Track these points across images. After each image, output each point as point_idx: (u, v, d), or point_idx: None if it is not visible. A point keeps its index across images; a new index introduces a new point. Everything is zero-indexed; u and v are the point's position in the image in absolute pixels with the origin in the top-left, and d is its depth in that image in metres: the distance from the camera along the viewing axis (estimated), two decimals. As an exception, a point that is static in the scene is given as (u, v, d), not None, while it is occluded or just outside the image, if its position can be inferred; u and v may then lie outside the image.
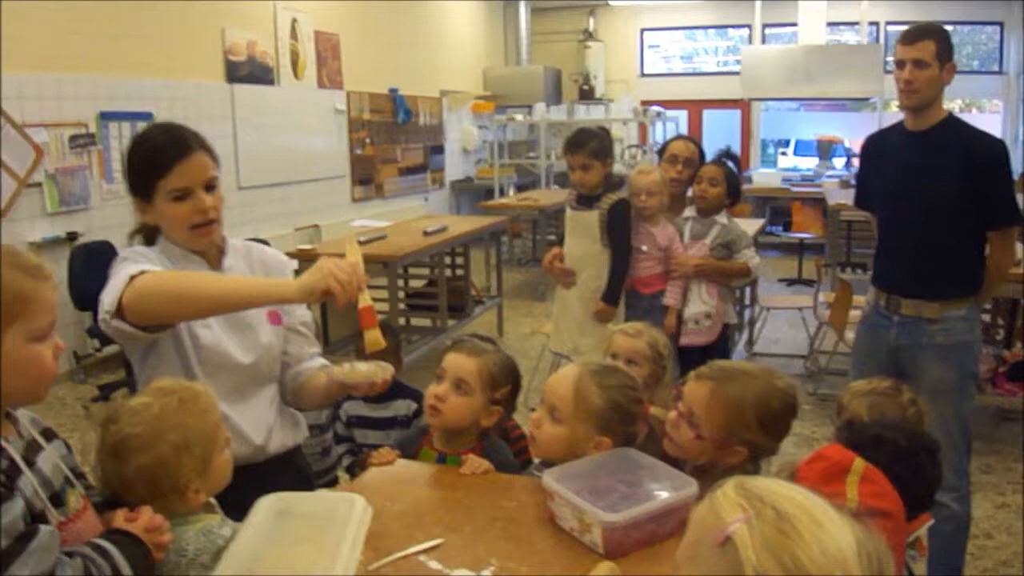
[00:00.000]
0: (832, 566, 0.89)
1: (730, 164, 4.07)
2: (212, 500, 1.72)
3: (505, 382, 2.33)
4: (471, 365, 2.27)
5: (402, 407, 3.29)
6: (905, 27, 3.15)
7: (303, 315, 2.36)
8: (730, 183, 3.97)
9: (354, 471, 3.06)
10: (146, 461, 1.59)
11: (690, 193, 4.13)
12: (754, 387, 1.94)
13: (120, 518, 1.52)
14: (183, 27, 7.44)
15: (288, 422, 2.31)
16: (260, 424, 2.18)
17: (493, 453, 2.28)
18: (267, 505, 1.70)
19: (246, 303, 2.01)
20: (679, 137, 4.44)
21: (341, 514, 1.67)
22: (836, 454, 1.55)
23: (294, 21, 8.93)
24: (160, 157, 2.03)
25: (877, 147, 3.36)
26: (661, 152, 4.29)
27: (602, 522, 1.68)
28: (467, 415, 2.28)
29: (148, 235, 2.17)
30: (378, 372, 2.11)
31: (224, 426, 1.75)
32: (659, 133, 12.01)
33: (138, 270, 1.90)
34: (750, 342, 6.97)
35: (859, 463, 1.55)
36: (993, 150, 3.08)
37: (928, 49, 3.01)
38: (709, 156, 4.24)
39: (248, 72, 8.28)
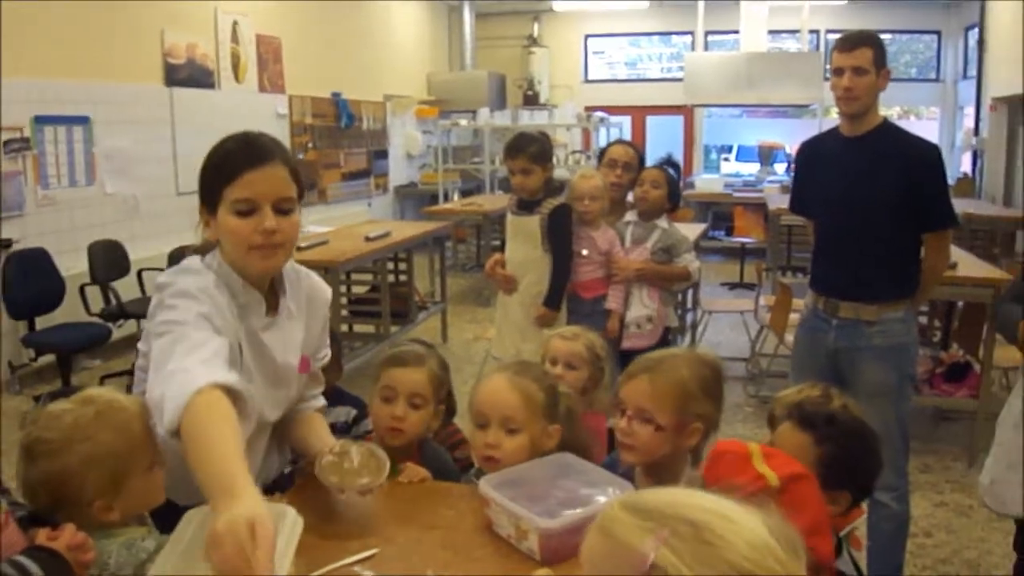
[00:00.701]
0: (763, 556, 0.88)
1: (670, 170, 4.10)
2: (144, 513, 1.68)
3: (447, 381, 2.33)
4: (420, 377, 2.24)
5: (342, 414, 3.25)
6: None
7: (326, 356, 2.23)
8: (671, 187, 3.99)
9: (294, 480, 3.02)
10: (51, 468, 1.54)
11: (630, 197, 4.15)
12: (684, 363, 1.99)
13: (43, 535, 1.48)
14: (121, 29, 7.29)
15: (276, 456, 2.20)
16: (252, 469, 2.06)
17: (432, 460, 2.26)
18: (194, 518, 1.63)
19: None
20: (619, 142, 4.46)
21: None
22: (730, 446, 1.56)
23: (235, 24, 8.82)
24: (230, 161, 1.83)
25: (813, 152, 3.40)
26: (600, 156, 4.30)
27: (538, 528, 1.67)
28: (424, 427, 2.27)
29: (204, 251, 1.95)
30: (372, 483, 1.90)
31: (155, 447, 1.67)
32: (603, 139, 12.06)
33: (205, 376, 1.57)
34: (692, 345, 7.01)
35: (754, 445, 1.56)
36: (928, 154, 3.13)
37: (866, 56, 3.05)
38: (651, 163, 4.27)
39: (188, 75, 8.15)
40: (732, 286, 9.75)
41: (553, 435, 2.05)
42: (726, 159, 16.47)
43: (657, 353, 2.08)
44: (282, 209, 1.84)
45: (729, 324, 7.21)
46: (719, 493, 1.41)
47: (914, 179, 3.07)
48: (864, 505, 2.59)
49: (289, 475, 2.36)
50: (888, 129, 3.17)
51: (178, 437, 1.55)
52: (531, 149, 3.86)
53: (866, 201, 3.11)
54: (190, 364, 1.61)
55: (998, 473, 2.80)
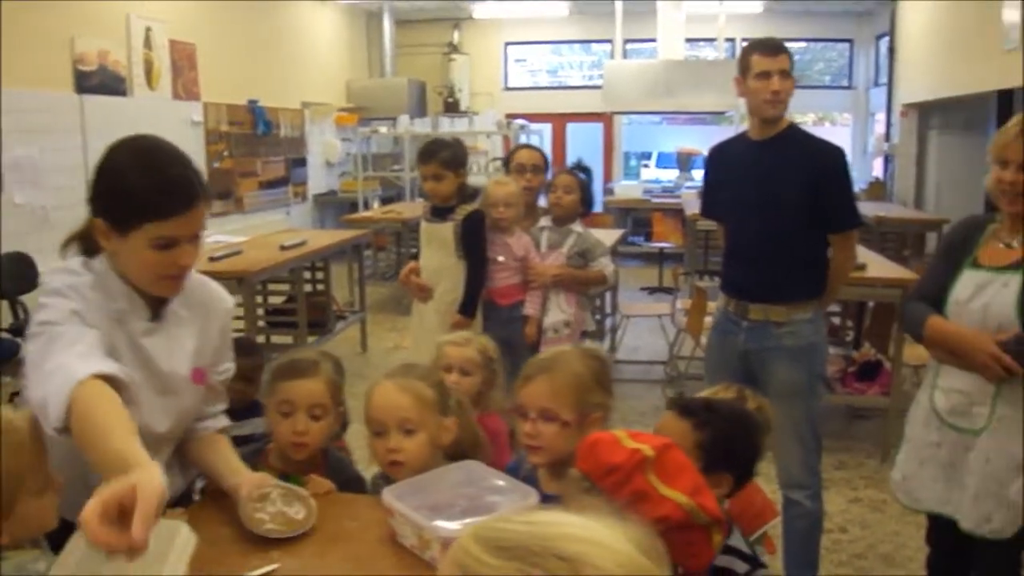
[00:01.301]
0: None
1: (582, 175, 4.11)
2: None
3: (343, 382, 2.30)
4: (318, 387, 2.21)
5: (260, 424, 3.18)
6: (759, 43, 3.23)
7: (229, 370, 2.16)
8: (583, 192, 4.00)
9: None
10: None
11: (542, 203, 4.16)
12: (575, 357, 2.05)
13: None
14: (29, 34, 7.03)
15: (179, 476, 2.12)
16: None
17: (337, 471, 2.22)
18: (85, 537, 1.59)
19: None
20: (524, 146, 4.48)
21: (161, 543, 1.58)
22: (599, 435, 1.56)
23: (148, 29, 8.62)
24: (161, 202, 1.77)
25: (722, 157, 3.43)
26: (507, 162, 4.30)
27: (440, 538, 1.66)
28: (327, 437, 2.24)
29: (86, 246, 1.91)
30: (303, 525, 1.87)
31: (48, 470, 1.61)
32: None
33: (83, 368, 1.57)
34: (612, 349, 7.05)
35: (619, 431, 1.57)
36: (833, 157, 3.20)
37: (787, 61, 3.14)
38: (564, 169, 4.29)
39: (99, 82, 7.94)
40: (651, 290, 9.85)
41: (450, 428, 2.09)
42: (646, 165, 16.66)
43: (548, 353, 2.13)
44: (195, 237, 1.85)
45: (648, 328, 7.27)
46: (603, 479, 1.46)
47: (820, 181, 3.13)
48: (777, 507, 2.63)
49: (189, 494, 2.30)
50: (795, 133, 3.23)
51: (66, 433, 1.54)
52: (443, 155, 3.83)
53: (774, 204, 3.15)
54: (67, 360, 1.60)
55: (909, 469, 2.84)
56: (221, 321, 2.10)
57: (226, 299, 2.14)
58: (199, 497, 2.18)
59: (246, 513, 1.86)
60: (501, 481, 1.87)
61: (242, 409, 2.63)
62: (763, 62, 3.11)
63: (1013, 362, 2.53)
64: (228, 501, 1.99)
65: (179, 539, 1.60)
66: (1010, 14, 8.40)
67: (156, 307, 1.94)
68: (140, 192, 1.78)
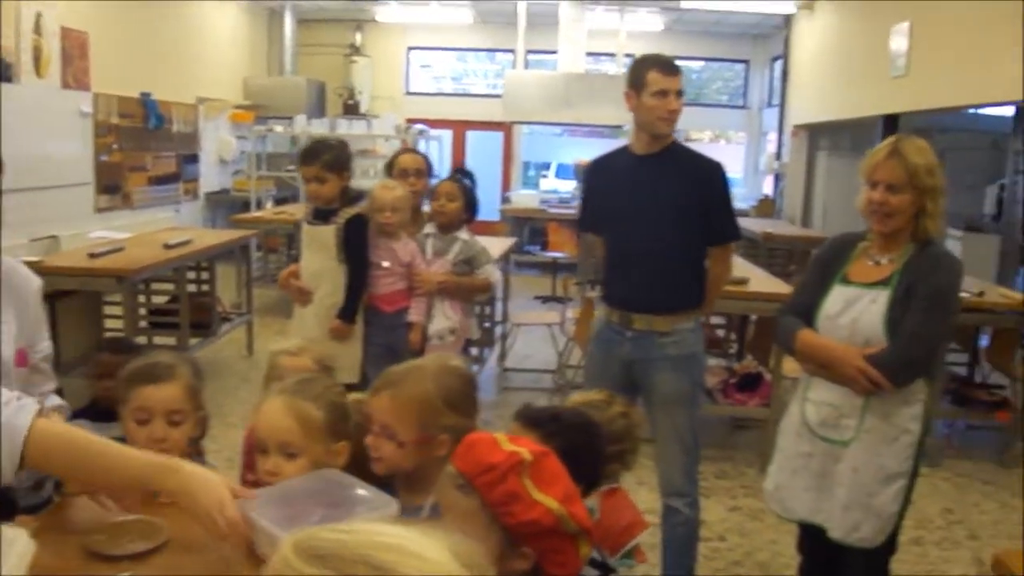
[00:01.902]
0: None
1: (466, 181, 4.09)
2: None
3: (202, 385, 2.23)
4: (175, 392, 2.13)
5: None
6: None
7: (46, 348, 2.13)
8: (467, 199, 3.98)
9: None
10: None
11: (426, 208, 4.13)
12: (429, 375, 1.97)
13: None
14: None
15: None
16: None
17: None
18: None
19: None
20: (406, 150, 4.46)
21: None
22: (479, 436, 1.57)
23: (39, 15, 8.27)
24: None
25: (603, 170, 3.45)
26: (389, 167, 4.26)
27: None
28: (187, 443, 2.16)
29: None
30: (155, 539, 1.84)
31: None
32: (423, 151, 12.05)
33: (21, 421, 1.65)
34: (502, 357, 7.06)
35: (499, 434, 1.58)
36: (713, 172, 3.27)
37: (681, 81, 3.19)
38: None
39: (-18, 68, 7.62)
40: (545, 299, 9.88)
41: (340, 452, 2.00)
42: (545, 176, 16.77)
43: (404, 366, 2.05)
44: None
45: (540, 337, 7.29)
46: (477, 477, 1.46)
47: (702, 195, 3.20)
48: (646, 518, 2.65)
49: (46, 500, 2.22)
50: (678, 148, 3.28)
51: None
52: (326, 157, 3.75)
53: (659, 217, 3.20)
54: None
55: (781, 479, 2.91)
56: (34, 299, 2.10)
57: (34, 279, 2.15)
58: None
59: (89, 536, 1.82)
60: (363, 490, 1.83)
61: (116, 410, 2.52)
62: (662, 81, 3.14)
63: (880, 376, 2.62)
64: (87, 505, 1.93)
65: (15, 548, 1.54)
66: (897, 42, 8.72)
67: None
68: None
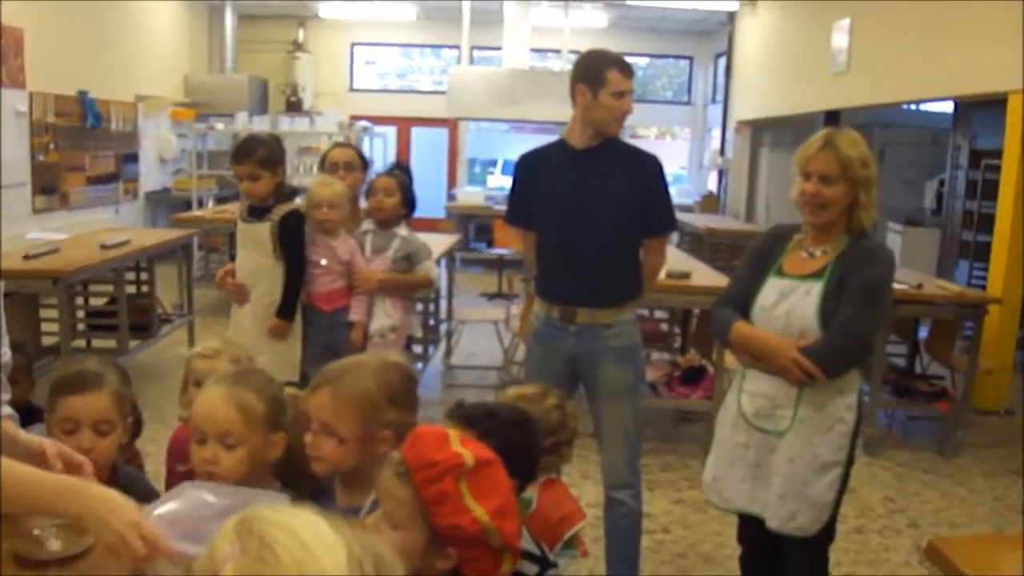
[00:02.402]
0: None
1: (403, 176, 4.05)
2: None
3: (131, 393, 2.18)
4: (102, 402, 2.09)
5: (43, 431, 3.01)
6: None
7: (4, 354, 2.06)
8: (404, 193, 3.94)
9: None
10: None
11: (364, 205, 4.08)
12: (369, 371, 1.96)
13: None
14: None
15: None
16: None
17: (127, 486, 2.10)
18: None
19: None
20: (336, 144, 4.40)
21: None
22: (429, 429, 1.58)
23: (-30, 11, 8.11)
24: None
25: (535, 165, 3.41)
26: (321, 163, 4.21)
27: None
28: (115, 452, 2.12)
29: None
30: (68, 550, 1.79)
31: None
32: (366, 148, 11.97)
33: None
34: (447, 355, 7.03)
35: (452, 430, 1.58)
36: (650, 165, 3.29)
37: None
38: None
39: (-90, 66, 7.41)
40: (491, 296, 9.88)
41: (277, 444, 1.98)
42: (491, 173, 16.74)
43: (341, 363, 2.02)
44: None
45: (485, 334, 7.28)
46: (417, 471, 1.47)
47: (640, 188, 3.22)
48: (587, 510, 2.65)
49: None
50: (615, 143, 3.28)
51: None
52: (259, 154, 3.67)
53: (599, 211, 3.20)
54: None
55: (719, 470, 2.92)
56: None
57: None
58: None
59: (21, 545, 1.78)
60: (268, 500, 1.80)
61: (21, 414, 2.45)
62: (622, 82, 3.16)
63: (813, 366, 2.64)
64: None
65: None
66: (839, 39, 8.83)
67: None
68: None
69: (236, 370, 2.09)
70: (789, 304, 2.73)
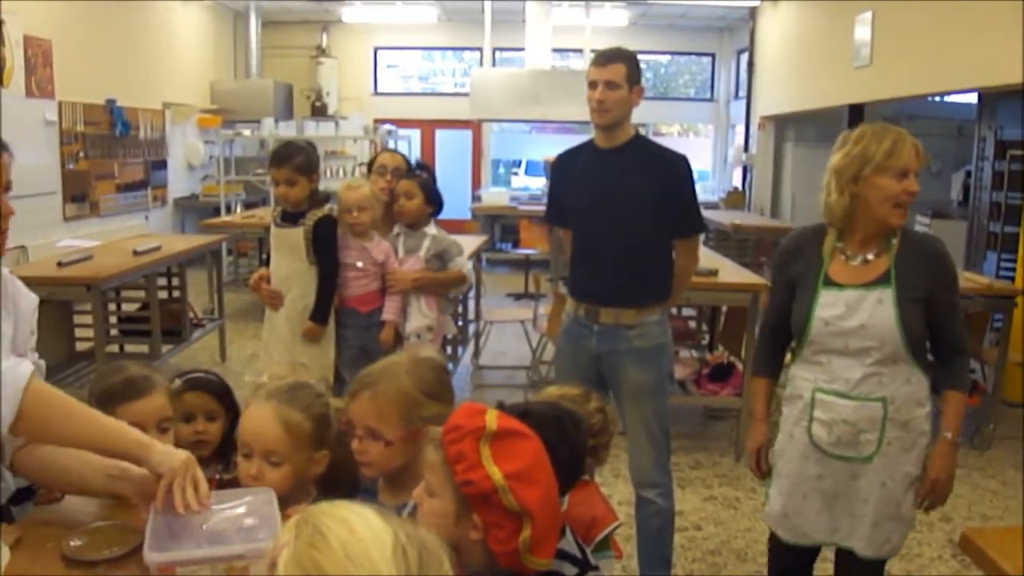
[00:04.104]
0: (352, 566, 0.95)
1: (423, 175, 4.09)
2: None
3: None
4: (161, 401, 2.15)
5: None
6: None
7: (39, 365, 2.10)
8: (426, 193, 3.97)
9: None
10: None
11: None
12: (403, 370, 1.99)
13: None
14: None
15: None
16: None
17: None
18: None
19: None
20: (386, 150, 4.45)
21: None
22: (468, 404, 1.62)
23: (1, 23, 8.19)
24: None
25: (568, 164, 3.44)
26: (370, 166, 4.28)
27: (151, 561, 1.61)
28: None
29: None
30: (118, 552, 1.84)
31: None
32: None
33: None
34: (475, 355, 7.07)
35: (492, 411, 1.60)
36: (677, 165, 3.26)
37: (619, 72, 3.14)
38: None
39: (-57, 77, 7.53)
40: (517, 296, 9.91)
41: (320, 461, 2.02)
42: (515, 173, 16.78)
43: (376, 365, 2.05)
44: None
45: (513, 334, 7.32)
46: (445, 434, 1.54)
47: (665, 188, 3.19)
48: (619, 511, 2.66)
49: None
50: (640, 141, 3.28)
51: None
52: (297, 160, 3.73)
53: (620, 210, 3.21)
54: None
55: (791, 505, 2.75)
56: (31, 316, 2.11)
57: (33, 297, 2.16)
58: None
59: (66, 544, 1.83)
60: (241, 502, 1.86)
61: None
62: (592, 72, 3.17)
63: (758, 471, 2.85)
64: (57, 515, 1.94)
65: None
66: (861, 32, 8.80)
67: None
68: None
69: (287, 384, 2.11)
70: (863, 315, 2.55)
